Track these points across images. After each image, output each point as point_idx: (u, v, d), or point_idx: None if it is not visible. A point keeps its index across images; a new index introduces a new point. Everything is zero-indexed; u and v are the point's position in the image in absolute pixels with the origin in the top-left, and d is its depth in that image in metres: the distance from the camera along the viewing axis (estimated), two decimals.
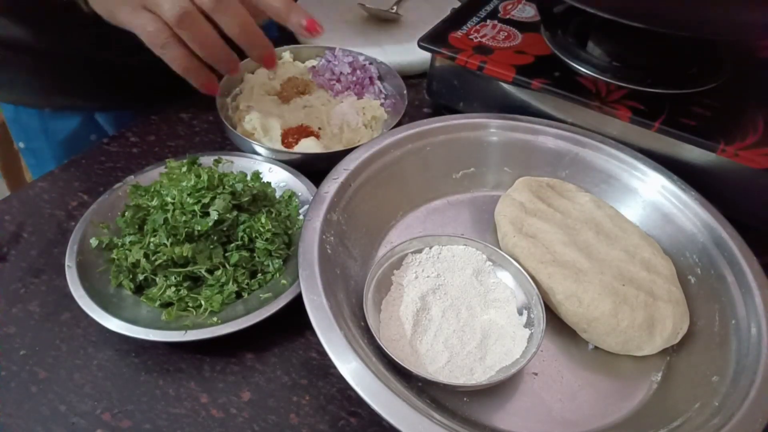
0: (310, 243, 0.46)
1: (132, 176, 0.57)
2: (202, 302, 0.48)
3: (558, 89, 0.60)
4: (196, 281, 0.50)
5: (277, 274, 0.51)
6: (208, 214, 0.49)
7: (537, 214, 0.54)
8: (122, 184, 0.56)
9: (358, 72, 0.71)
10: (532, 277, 0.49)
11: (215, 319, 0.47)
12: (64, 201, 0.60)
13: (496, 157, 0.61)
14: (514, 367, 0.44)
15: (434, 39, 0.66)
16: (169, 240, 0.48)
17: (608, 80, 0.61)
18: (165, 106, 0.72)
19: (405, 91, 0.68)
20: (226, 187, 0.51)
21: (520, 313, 0.48)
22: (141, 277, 0.49)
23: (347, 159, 0.54)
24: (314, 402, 0.46)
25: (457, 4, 0.76)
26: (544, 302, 0.48)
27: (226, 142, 0.67)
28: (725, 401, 0.42)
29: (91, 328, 0.49)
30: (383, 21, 0.86)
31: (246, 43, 0.54)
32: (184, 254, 0.48)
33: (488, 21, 0.70)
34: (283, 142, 0.63)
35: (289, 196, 0.57)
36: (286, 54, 0.74)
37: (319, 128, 0.65)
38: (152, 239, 0.49)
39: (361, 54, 0.73)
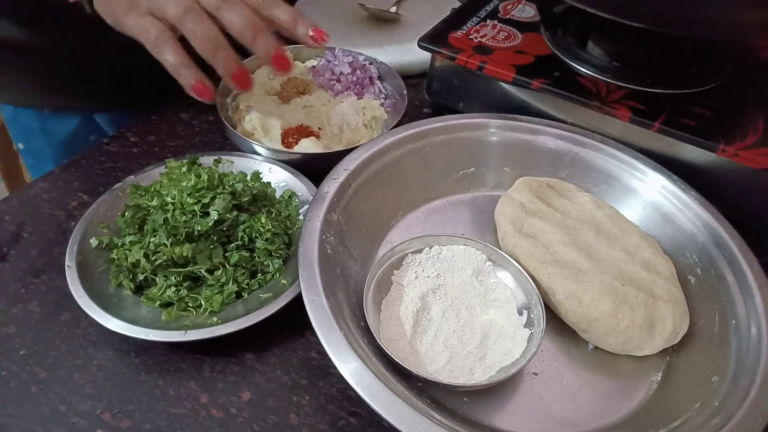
0: (310, 243, 0.46)
1: (132, 176, 0.57)
2: (202, 302, 0.48)
3: (558, 89, 0.60)
4: (196, 281, 0.50)
5: (277, 274, 0.51)
6: (208, 214, 0.49)
7: (537, 214, 0.54)
8: (122, 184, 0.56)
9: (358, 72, 0.71)
10: (532, 277, 0.49)
11: (215, 319, 0.47)
12: (64, 201, 0.60)
13: (496, 157, 0.61)
14: (514, 367, 0.44)
15: (434, 39, 0.66)
16: (169, 240, 0.48)
17: (608, 80, 0.61)
18: (165, 106, 0.72)
19: (405, 91, 0.68)
20: (226, 187, 0.51)
21: (520, 313, 0.48)
22: (141, 277, 0.49)
23: (347, 159, 0.54)
24: (314, 402, 0.46)
25: (457, 4, 0.76)
26: (544, 302, 0.48)
27: (226, 142, 0.67)
28: (725, 401, 0.42)
29: (91, 328, 0.49)
30: (383, 21, 0.86)
31: (251, 40, 0.54)
32: (184, 254, 0.48)
33: (488, 21, 0.70)
34: (283, 142, 0.63)
35: (289, 196, 0.57)
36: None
37: (319, 128, 0.65)
38: (152, 239, 0.49)
39: (361, 54, 0.73)
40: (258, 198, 0.54)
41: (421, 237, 0.52)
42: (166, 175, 0.53)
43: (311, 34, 0.55)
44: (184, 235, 0.48)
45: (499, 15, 0.71)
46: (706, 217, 0.52)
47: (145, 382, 0.47)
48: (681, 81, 0.61)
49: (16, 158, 1.32)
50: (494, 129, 0.60)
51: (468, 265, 0.51)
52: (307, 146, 0.62)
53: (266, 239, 0.51)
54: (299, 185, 0.58)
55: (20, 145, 0.83)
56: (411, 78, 0.76)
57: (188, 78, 0.52)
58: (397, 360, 0.43)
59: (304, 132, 0.64)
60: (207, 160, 0.58)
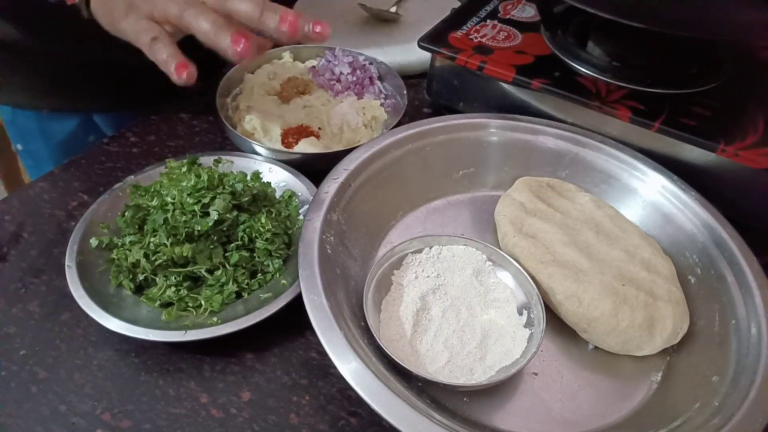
0: (310, 243, 0.46)
1: (132, 176, 0.57)
2: (202, 302, 0.48)
3: (558, 89, 0.60)
4: (196, 281, 0.50)
5: (277, 274, 0.51)
6: (208, 214, 0.49)
7: (537, 214, 0.54)
8: (122, 184, 0.56)
9: (358, 72, 0.71)
10: (532, 277, 0.49)
11: (215, 319, 0.47)
12: (64, 201, 0.60)
13: (496, 157, 0.61)
14: (514, 367, 0.44)
15: (434, 39, 0.66)
16: (169, 240, 0.48)
17: (608, 80, 0.61)
18: (165, 106, 0.72)
19: (405, 91, 0.68)
20: (226, 187, 0.51)
21: (520, 313, 0.48)
22: (141, 277, 0.49)
23: (347, 159, 0.54)
24: (314, 402, 0.46)
25: (457, 4, 0.76)
26: (544, 302, 0.48)
27: (226, 142, 0.67)
28: (725, 401, 0.42)
29: (91, 328, 0.49)
30: (383, 21, 0.86)
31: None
32: (184, 254, 0.48)
33: (488, 21, 0.70)
34: (283, 142, 0.63)
35: (289, 196, 0.57)
36: (286, 54, 0.74)
37: (319, 128, 0.65)
38: (152, 239, 0.49)
39: (361, 54, 0.73)
40: (258, 198, 0.54)
41: (421, 237, 0.52)
42: (166, 175, 0.53)
43: (315, 30, 0.53)
44: (184, 235, 0.48)
45: (499, 15, 0.71)
46: (706, 217, 0.52)
47: (145, 382, 0.47)
48: (681, 81, 0.61)
49: (15, 159, 1.32)
50: (494, 129, 0.60)
51: (468, 265, 0.51)
52: (307, 146, 0.62)
53: (266, 239, 0.51)
54: (299, 185, 0.58)
55: (19, 146, 0.83)
56: (411, 78, 0.76)
57: (173, 63, 0.50)
58: (397, 360, 0.43)
59: (304, 132, 0.64)
60: (207, 160, 0.58)
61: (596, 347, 0.49)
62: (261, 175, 0.58)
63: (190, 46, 0.53)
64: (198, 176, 0.50)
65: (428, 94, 0.72)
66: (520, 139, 0.60)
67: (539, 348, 0.45)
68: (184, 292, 0.49)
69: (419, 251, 0.51)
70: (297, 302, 0.45)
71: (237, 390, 0.46)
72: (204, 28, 0.49)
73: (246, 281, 0.50)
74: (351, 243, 0.51)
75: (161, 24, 0.52)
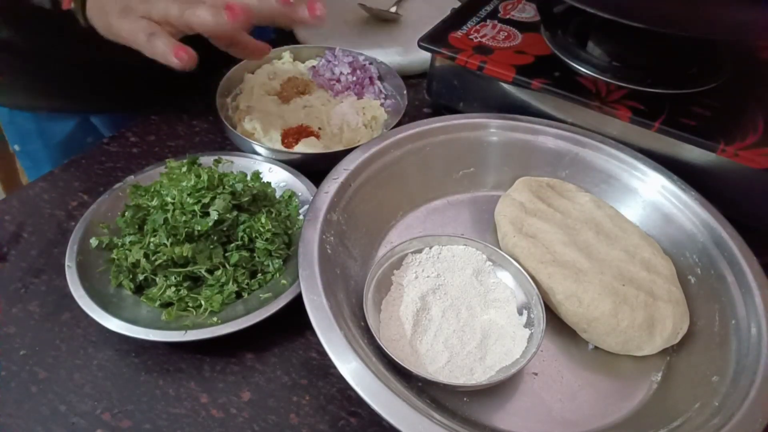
0: (310, 243, 0.46)
1: (132, 176, 0.57)
2: (202, 302, 0.48)
3: (558, 89, 0.60)
4: (196, 281, 0.50)
5: (277, 274, 0.51)
6: (208, 214, 0.49)
7: (537, 214, 0.54)
8: (122, 184, 0.56)
9: (358, 72, 0.71)
10: (532, 277, 0.49)
11: (215, 319, 0.47)
12: (64, 201, 0.60)
13: (496, 157, 0.61)
14: (514, 367, 0.44)
15: (434, 39, 0.66)
16: (169, 240, 0.48)
17: (608, 80, 0.61)
18: (165, 107, 0.72)
19: (405, 91, 0.68)
20: (226, 187, 0.51)
21: (520, 313, 0.48)
22: (141, 277, 0.49)
23: (347, 159, 0.54)
24: (314, 402, 0.46)
25: (457, 4, 0.76)
26: (544, 302, 0.48)
27: (226, 142, 0.67)
28: (725, 401, 0.42)
29: (91, 328, 0.49)
30: (383, 21, 0.86)
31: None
32: (184, 254, 0.48)
33: (488, 21, 0.70)
34: (283, 142, 0.63)
35: (289, 196, 0.57)
36: (286, 54, 0.74)
37: (319, 128, 0.65)
38: (152, 239, 0.49)
39: (361, 54, 0.73)
40: (258, 198, 0.54)
41: (421, 237, 0.52)
42: (166, 175, 0.53)
43: (314, 12, 0.52)
44: (184, 235, 0.48)
45: (499, 15, 0.71)
46: (706, 217, 0.52)
47: (145, 382, 0.47)
48: (681, 81, 0.61)
49: (13, 160, 1.32)
50: (494, 129, 0.60)
51: (468, 265, 0.51)
52: (307, 146, 0.62)
53: (266, 239, 0.51)
54: (299, 185, 0.58)
55: (16, 147, 0.83)
56: (411, 78, 0.76)
57: (170, 51, 0.49)
58: (397, 360, 0.43)
59: (304, 132, 0.64)
60: (207, 160, 0.58)
61: (596, 347, 0.49)
62: (261, 175, 0.58)
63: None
64: (198, 176, 0.50)
65: (428, 94, 0.72)
66: (520, 139, 0.60)
67: (539, 348, 0.45)
68: (184, 292, 0.49)
69: (419, 251, 0.51)
70: (297, 302, 0.45)
71: (237, 390, 0.46)
72: (206, 19, 0.49)
73: (246, 281, 0.50)
74: (351, 243, 0.51)
75: (160, 24, 0.52)
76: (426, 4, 0.89)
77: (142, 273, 0.49)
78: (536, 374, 0.47)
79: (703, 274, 0.51)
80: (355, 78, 0.71)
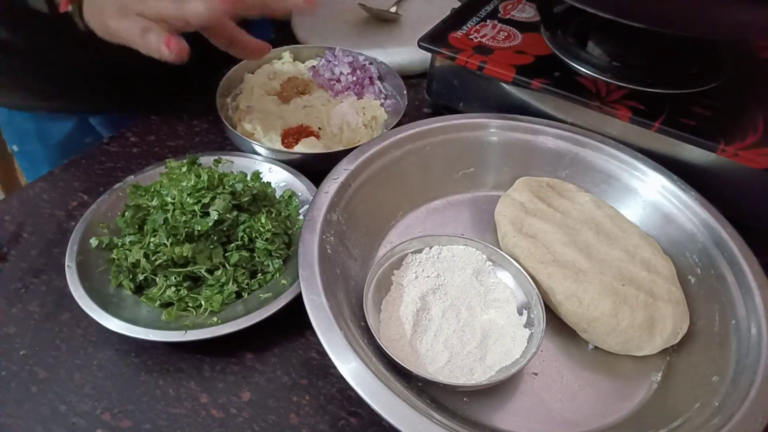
0: (310, 243, 0.46)
1: (132, 176, 0.57)
2: (202, 302, 0.48)
3: (558, 89, 0.60)
4: (196, 281, 0.50)
5: (277, 274, 0.51)
6: (208, 214, 0.49)
7: (537, 214, 0.54)
8: (122, 184, 0.56)
9: (358, 72, 0.71)
10: (532, 277, 0.49)
11: (215, 319, 0.47)
12: (64, 201, 0.60)
13: (496, 157, 0.61)
14: (514, 367, 0.44)
15: (434, 39, 0.66)
16: (169, 240, 0.48)
17: (608, 80, 0.61)
18: (165, 107, 0.72)
19: (405, 91, 0.68)
20: (226, 187, 0.51)
21: (520, 313, 0.48)
22: (141, 277, 0.49)
23: (347, 159, 0.54)
24: (314, 402, 0.46)
25: (457, 4, 0.76)
26: (544, 302, 0.48)
27: (226, 142, 0.67)
28: (725, 401, 0.42)
29: (91, 328, 0.49)
30: (383, 21, 0.86)
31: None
32: (184, 254, 0.48)
33: (488, 21, 0.70)
34: (283, 142, 0.63)
35: (289, 196, 0.57)
36: (286, 54, 0.74)
37: (319, 128, 0.65)
38: (152, 239, 0.49)
39: (361, 54, 0.73)
40: (258, 198, 0.54)
41: (421, 237, 0.52)
42: (166, 175, 0.53)
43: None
44: (184, 235, 0.48)
45: (499, 15, 0.71)
46: (706, 217, 0.52)
47: (145, 382, 0.47)
48: (681, 81, 0.61)
49: (11, 161, 1.32)
50: (494, 129, 0.60)
51: (468, 265, 0.51)
52: (307, 146, 0.62)
53: (266, 239, 0.51)
54: (299, 185, 0.58)
55: (15, 148, 0.83)
56: (411, 78, 0.76)
57: (162, 43, 0.49)
58: (397, 360, 0.43)
59: (304, 132, 0.64)
60: (207, 160, 0.58)
61: (596, 347, 0.49)
62: (261, 175, 0.58)
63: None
64: (198, 176, 0.50)
65: (428, 94, 0.72)
66: (520, 139, 0.60)
67: (539, 348, 0.45)
68: (184, 292, 0.49)
69: (419, 251, 0.51)
70: (297, 302, 0.45)
71: (237, 390, 0.46)
72: (199, 9, 0.49)
73: (246, 281, 0.50)
74: (351, 243, 0.51)
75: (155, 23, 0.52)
76: (426, 4, 0.89)
77: (142, 273, 0.49)
78: (536, 374, 0.47)
79: (703, 274, 0.51)
80: (355, 78, 0.71)
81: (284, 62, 0.74)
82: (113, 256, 0.50)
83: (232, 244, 0.51)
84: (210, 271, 0.50)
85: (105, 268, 0.51)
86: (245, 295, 0.50)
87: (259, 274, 0.51)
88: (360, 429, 0.45)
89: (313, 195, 0.51)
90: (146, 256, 0.48)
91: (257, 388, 0.47)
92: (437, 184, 0.60)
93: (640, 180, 0.57)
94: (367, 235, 0.54)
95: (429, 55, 0.67)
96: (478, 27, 0.68)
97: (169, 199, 0.49)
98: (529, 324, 0.48)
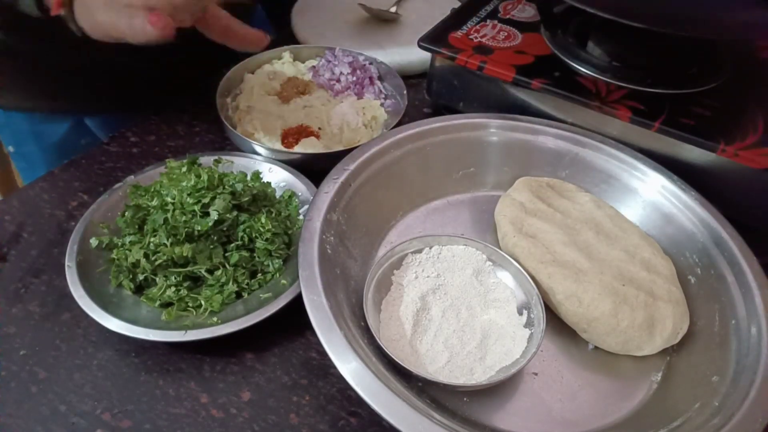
0: (310, 243, 0.46)
1: (132, 176, 0.57)
2: (202, 302, 0.48)
3: (558, 89, 0.60)
4: (196, 281, 0.50)
5: (277, 274, 0.51)
6: (208, 214, 0.49)
7: (537, 214, 0.54)
8: (122, 184, 0.56)
9: (358, 72, 0.71)
10: (532, 277, 0.49)
11: (215, 319, 0.47)
12: (64, 201, 0.60)
13: (496, 157, 0.61)
14: (514, 367, 0.44)
15: (434, 39, 0.66)
16: (169, 240, 0.48)
17: (608, 80, 0.61)
18: (163, 108, 0.72)
19: (405, 91, 0.68)
20: (226, 187, 0.51)
21: (520, 313, 0.48)
22: (141, 277, 0.49)
23: (347, 159, 0.54)
24: (314, 402, 0.46)
25: (457, 4, 0.76)
26: (544, 302, 0.48)
27: (226, 142, 0.67)
28: (725, 401, 0.42)
29: (91, 328, 0.49)
30: (383, 21, 0.86)
31: None
32: (184, 254, 0.48)
33: (488, 21, 0.70)
34: (283, 142, 0.63)
35: (289, 196, 0.57)
36: (286, 54, 0.74)
37: (319, 128, 0.65)
38: (152, 239, 0.49)
39: (361, 54, 0.73)
40: (258, 198, 0.54)
41: (421, 237, 0.52)
42: (166, 175, 0.53)
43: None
44: (184, 235, 0.48)
45: (499, 15, 0.71)
46: (706, 217, 0.52)
47: (145, 382, 0.47)
48: (681, 81, 0.61)
49: (8, 162, 1.32)
50: (494, 129, 0.60)
51: (468, 265, 0.51)
52: (307, 146, 0.62)
53: (266, 239, 0.51)
54: (299, 185, 0.58)
55: (11, 149, 0.83)
56: (411, 78, 0.76)
57: (145, 19, 0.47)
58: (397, 360, 0.43)
59: (304, 132, 0.64)
60: (207, 160, 0.58)
61: (596, 347, 0.49)
62: (261, 175, 0.58)
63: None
64: (198, 176, 0.50)
65: (428, 94, 0.72)
66: (520, 139, 0.60)
67: (539, 348, 0.45)
68: (184, 292, 0.49)
69: (419, 251, 0.51)
70: (297, 302, 0.45)
71: (237, 390, 0.46)
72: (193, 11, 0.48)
73: (246, 281, 0.50)
74: (351, 243, 0.51)
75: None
76: (426, 4, 0.89)
77: (142, 273, 0.49)
78: (536, 374, 0.47)
79: (703, 274, 0.51)
80: (355, 78, 0.71)
81: (284, 62, 0.74)
82: (113, 256, 0.50)
83: (232, 244, 0.51)
84: (210, 271, 0.50)
85: (105, 268, 0.51)
86: (245, 295, 0.50)
87: (259, 274, 0.51)
88: (360, 429, 0.45)
89: (313, 195, 0.51)
90: (146, 256, 0.48)
91: (257, 388, 0.47)
92: (437, 184, 0.60)
93: (640, 180, 0.57)
94: (367, 235, 0.54)
95: (429, 55, 0.67)
96: (478, 27, 0.68)
97: (169, 199, 0.49)
98: (529, 324, 0.48)
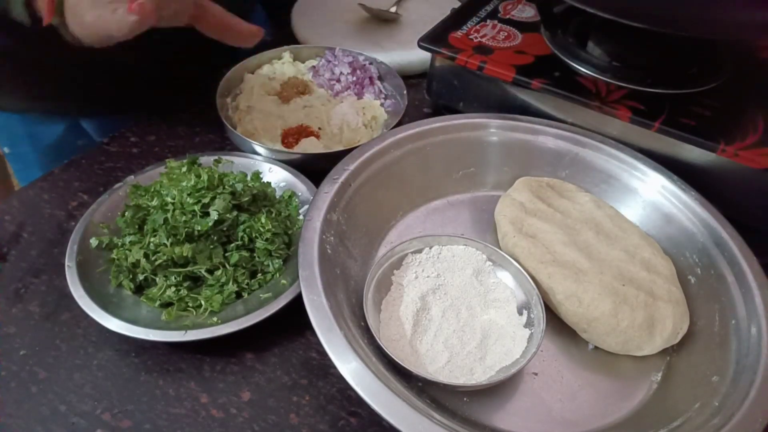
0: (310, 243, 0.46)
1: (132, 176, 0.57)
2: (202, 302, 0.48)
3: (558, 89, 0.60)
4: (196, 281, 0.50)
5: (277, 274, 0.51)
6: (208, 214, 0.49)
7: (537, 214, 0.54)
8: (122, 184, 0.56)
9: (358, 72, 0.71)
10: (532, 277, 0.49)
11: (215, 319, 0.47)
12: (64, 201, 0.60)
13: (496, 157, 0.61)
14: (514, 367, 0.44)
15: (434, 39, 0.66)
16: (169, 240, 0.48)
17: (608, 80, 0.61)
18: (163, 108, 0.71)
19: (405, 91, 0.68)
20: (226, 187, 0.51)
21: (520, 313, 0.48)
22: (141, 277, 0.49)
23: (347, 159, 0.54)
24: (314, 402, 0.46)
25: (457, 4, 0.76)
26: (544, 302, 0.48)
27: (226, 142, 0.67)
28: (725, 401, 0.42)
29: (91, 328, 0.49)
30: (383, 21, 0.86)
31: None
32: (184, 254, 0.48)
33: (488, 21, 0.70)
34: (283, 142, 0.63)
35: (289, 196, 0.57)
36: (286, 54, 0.74)
37: (319, 128, 0.65)
38: (152, 239, 0.49)
39: (361, 54, 0.73)
40: (258, 198, 0.54)
41: (421, 237, 0.52)
42: (166, 175, 0.53)
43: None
44: (184, 235, 0.48)
45: (499, 15, 0.71)
46: (706, 217, 0.52)
47: (145, 382, 0.47)
48: (681, 81, 0.61)
49: (3, 162, 1.32)
50: (494, 129, 0.60)
51: (468, 265, 0.51)
52: (307, 146, 0.62)
53: (266, 239, 0.51)
54: (299, 185, 0.58)
55: (6, 150, 0.82)
56: (411, 78, 0.76)
57: (127, 9, 0.47)
58: (397, 360, 0.43)
59: (304, 132, 0.64)
60: (207, 160, 0.58)
61: (596, 347, 0.49)
62: (261, 175, 0.58)
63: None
64: (198, 176, 0.50)
65: (428, 94, 0.72)
66: (520, 139, 0.60)
67: (539, 348, 0.45)
68: (184, 292, 0.49)
69: (419, 251, 0.51)
70: (297, 302, 0.45)
71: (237, 390, 0.46)
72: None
73: (246, 281, 0.50)
74: (351, 243, 0.51)
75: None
76: (426, 4, 0.89)
77: (142, 273, 0.49)
78: (536, 374, 0.47)
79: (703, 274, 0.51)
80: (355, 78, 0.71)
81: (284, 62, 0.74)
82: (113, 256, 0.50)
83: (232, 244, 0.51)
84: (210, 271, 0.50)
85: (105, 268, 0.51)
86: (245, 295, 0.50)
87: (259, 274, 0.51)
88: (360, 429, 0.45)
89: (313, 195, 0.51)
90: (146, 256, 0.48)
91: (257, 388, 0.47)
92: (437, 184, 0.60)
93: (640, 180, 0.57)
94: (367, 235, 0.54)
95: (429, 55, 0.67)
96: (478, 27, 0.68)
97: (169, 199, 0.49)
98: (529, 324, 0.48)
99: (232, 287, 0.49)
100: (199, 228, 0.48)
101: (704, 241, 0.52)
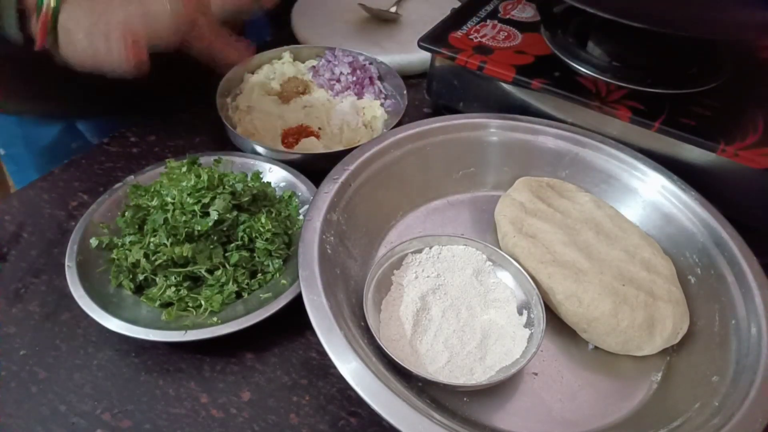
0: (310, 243, 0.46)
1: (132, 176, 0.57)
2: (202, 302, 0.48)
3: (558, 89, 0.60)
4: (196, 281, 0.50)
5: (277, 274, 0.51)
6: (208, 214, 0.49)
7: (537, 214, 0.54)
8: (122, 184, 0.56)
9: (358, 72, 0.71)
10: (532, 277, 0.49)
11: (215, 319, 0.47)
12: (64, 201, 0.60)
13: (496, 157, 0.61)
14: (514, 367, 0.44)
15: (434, 39, 0.66)
16: (169, 240, 0.48)
17: (608, 80, 0.61)
18: (163, 107, 0.71)
19: (405, 91, 0.68)
20: (226, 187, 0.51)
21: (520, 313, 0.48)
22: (141, 277, 0.49)
23: (347, 159, 0.54)
24: (314, 402, 0.46)
25: (457, 4, 0.76)
26: (544, 302, 0.48)
27: (226, 142, 0.67)
28: (725, 401, 0.42)
29: (91, 328, 0.49)
30: (383, 21, 0.86)
31: None
32: (184, 254, 0.48)
33: (488, 21, 0.70)
34: (283, 142, 0.63)
35: (289, 196, 0.57)
36: (286, 54, 0.74)
37: (319, 128, 0.65)
38: (152, 239, 0.49)
39: (361, 54, 0.73)
40: (258, 198, 0.54)
41: (421, 237, 0.52)
42: (166, 175, 0.53)
43: None
44: (184, 235, 0.48)
45: (499, 15, 0.71)
46: (706, 217, 0.52)
47: (145, 382, 0.47)
48: (681, 81, 0.61)
49: (0, 164, 1.32)
50: (494, 129, 0.60)
51: (468, 265, 0.51)
52: (307, 146, 0.62)
53: (266, 239, 0.51)
54: (299, 185, 0.58)
55: (1, 151, 0.82)
56: (411, 78, 0.76)
57: (121, 47, 0.50)
58: (397, 360, 0.43)
59: (304, 132, 0.64)
60: (207, 160, 0.58)
61: (596, 347, 0.49)
62: (261, 175, 0.58)
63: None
64: (198, 176, 0.50)
65: (428, 94, 0.72)
66: (520, 139, 0.60)
67: (539, 348, 0.45)
68: (184, 292, 0.49)
69: (419, 251, 0.51)
70: (297, 302, 0.45)
71: (237, 390, 0.46)
72: (164, 8, 0.50)
73: (246, 281, 0.50)
74: (351, 243, 0.51)
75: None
76: (426, 4, 0.89)
77: (142, 273, 0.49)
78: (536, 374, 0.47)
79: (703, 274, 0.51)
80: (355, 78, 0.71)
81: (284, 62, 0.74)
82: (113, 256, 0.50)
83: (232, 244, 0.51)
84: (210, 271, 0.50)
85: (105, 268, 0.51)
86: (245, 295, 0.50)
87: (259, 274, 0.51)
88: (360, 429, 0.45)
89: (313, 195, 0.51)
90: (146, 256, 0.48)
91: (257, 388, 0.47)
92: (437, 184, 0.60)
93: (640, 180, 0.57)
94: (367, 235, 0.54)
95: (429, 55, 0.67)
96: (478, 27, 0.68)
97: (169, 199, 0.49)
98: (529, 324, 0.48)
99: (232, 287, 0.49)
100: (199, 228, 0.48)
101: (704, 241, 0.52)
